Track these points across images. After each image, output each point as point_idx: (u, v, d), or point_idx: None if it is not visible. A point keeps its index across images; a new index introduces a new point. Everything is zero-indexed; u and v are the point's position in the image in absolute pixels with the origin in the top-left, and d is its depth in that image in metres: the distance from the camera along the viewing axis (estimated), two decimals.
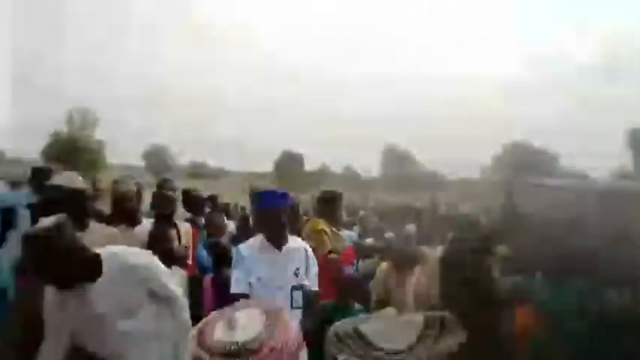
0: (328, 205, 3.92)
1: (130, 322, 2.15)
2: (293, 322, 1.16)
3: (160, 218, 3.65)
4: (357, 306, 3.33)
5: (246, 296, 2.86)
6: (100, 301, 2.11)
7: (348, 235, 4.86)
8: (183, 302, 2.37)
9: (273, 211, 2.93)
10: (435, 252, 5.29)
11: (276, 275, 2.86)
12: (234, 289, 2.89)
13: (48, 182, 2.80)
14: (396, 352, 0.66)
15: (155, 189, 4.19)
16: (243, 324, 1.11)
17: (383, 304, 3.83)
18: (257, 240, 3.00)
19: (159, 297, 2.27)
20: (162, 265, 2.33)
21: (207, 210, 4.72)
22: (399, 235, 6.31)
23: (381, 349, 0.65)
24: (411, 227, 7.37)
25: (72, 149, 38.13)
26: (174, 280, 2.37)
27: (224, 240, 4.02)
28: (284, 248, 2.98)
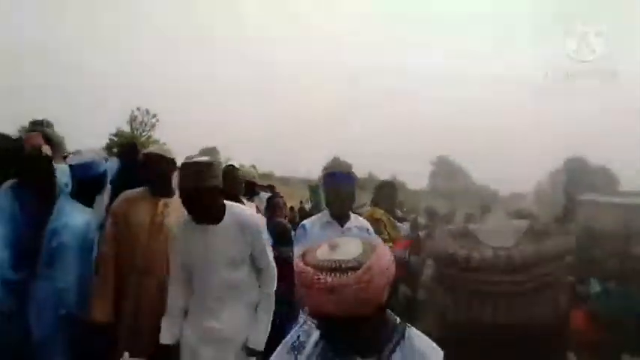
0: (385, 191, 4.03)
1: (233, 274, 2.40)
2: (387, 252, 1.28)
3: (229, 198, 3.85)
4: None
5: None
6: (215, 245, 2.37)
7: (402, 227, 4.92)
8: (273, 275, 2.58)
9: (337, 189, 3.08)
10: None
11: None
12: None
13: (145, 150, 3.06)
14: (501, 248, 0.79)
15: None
16: (344, 248, 1.26)
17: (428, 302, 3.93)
18: (321, 216, 3.16)
19: (254, 263, 2.50)
20: (266, 234, 2.54)
21: (268, 194, 4.94)
22: None
23: (488, 245, 0.77)
24: None
25: None
26: (270, 253, 2.59)
27: (284, 221, 4.20)
28: (346, 225, 3.11)
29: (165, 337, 2.44)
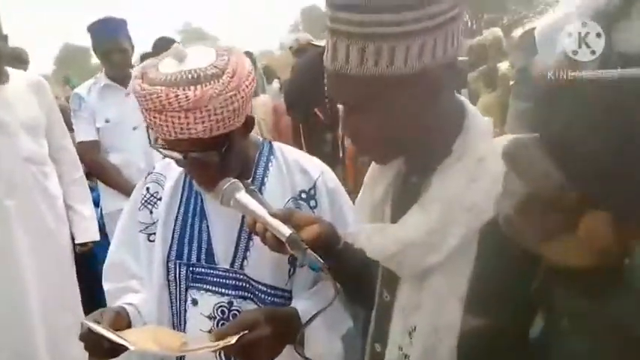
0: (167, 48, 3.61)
1: (32, 144, 2.09)
2: (242, 54, 1.06)
3: None
4: None
5: (96, 143, 2.60)
6: (5, 107, 2.04)
7: None
8: (76, 156, 2.35)
9: (110, 40, 2.58)
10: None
11: (127, 115, 2.56)
12: (81, 137, 2.58)
13: None
14: None
15: None
16: (195, 55, 1.01)
17: None
18: (96, 80, 2.66)
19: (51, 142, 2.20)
20: None
21: None
22: None
23: None
24: None
25: None
26: None
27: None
28: (130, 86, 2.69)
29: None
